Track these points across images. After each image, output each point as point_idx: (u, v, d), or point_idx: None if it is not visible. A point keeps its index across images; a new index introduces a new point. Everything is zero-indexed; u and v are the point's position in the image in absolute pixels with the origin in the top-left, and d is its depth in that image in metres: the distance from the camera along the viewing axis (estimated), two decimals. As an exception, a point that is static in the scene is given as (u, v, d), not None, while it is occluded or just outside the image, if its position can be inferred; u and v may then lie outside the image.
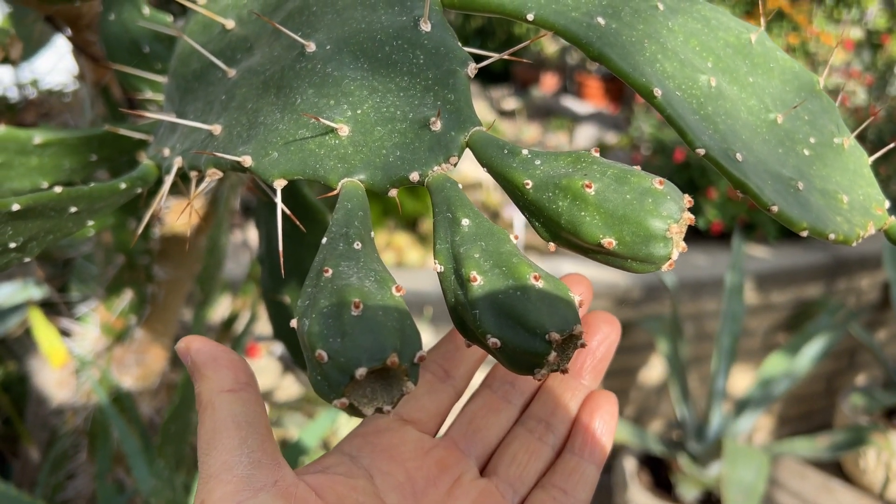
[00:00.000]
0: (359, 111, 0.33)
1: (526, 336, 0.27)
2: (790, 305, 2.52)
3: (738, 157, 0.34)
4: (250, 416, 0.33)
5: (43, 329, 1.04)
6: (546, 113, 4.74)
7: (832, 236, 0.35)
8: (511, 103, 4.95)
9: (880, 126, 2.66)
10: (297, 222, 0.36)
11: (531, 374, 0.28)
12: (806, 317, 2.48)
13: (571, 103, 4.85)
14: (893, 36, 3.44)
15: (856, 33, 3.52)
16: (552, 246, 0.31)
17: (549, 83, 5.30)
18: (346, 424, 1.69)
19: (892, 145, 0.44)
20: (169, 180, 0.41)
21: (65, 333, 1.04)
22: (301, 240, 0.58)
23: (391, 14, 0.35)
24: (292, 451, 1.06)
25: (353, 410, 0.26)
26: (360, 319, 0.26)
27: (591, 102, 4.94)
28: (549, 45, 5.34)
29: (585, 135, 4.19)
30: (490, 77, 5.57)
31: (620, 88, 5.01)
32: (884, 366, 2.39)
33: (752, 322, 2.48)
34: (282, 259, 0.40)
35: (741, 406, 2.17)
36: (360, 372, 0.25)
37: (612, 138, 4.01)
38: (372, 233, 0.31)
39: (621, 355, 2.41)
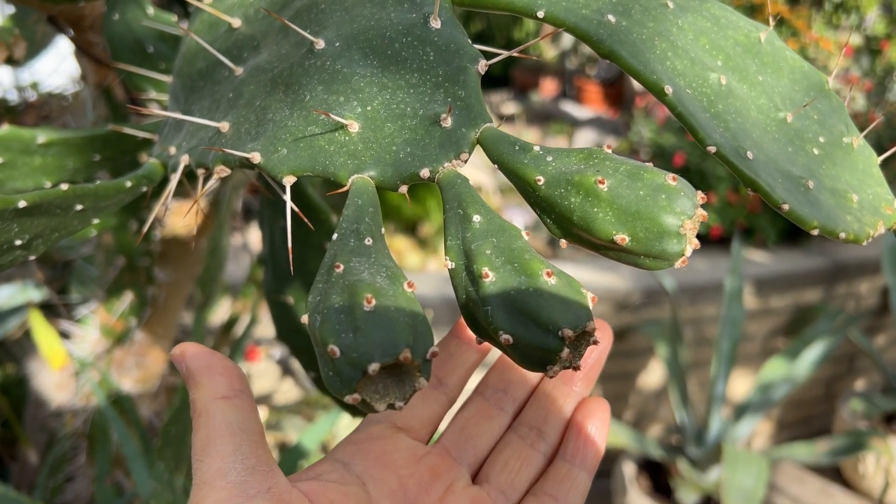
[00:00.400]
0: (369, 108, 0.33)
1: (539, 332, 0.27)
2: (789, 310, 2.52)
3: (749, 155, 0.33)
4: (244, 423, 0.33)
5: (42, 331, 1.04)
6: (545, 117, 4.75)
7: (842, 235, 0.34)
8: (510, 108, 4.96)
9: (879, 132, 2.67)
10: (306, 220, 0.36)
11: (543, 370, 0.28)
12: (805, 322, 2.48)
13: (571, 108, 4.85)
14: (892, 42, 3.45)
15: (855, 39, 3.53)
16: (563, 242, 0.31)
17: (548, 88, 5.31)
18: (346, 428, 1.68)
19: (893, 150, 0.44)
20: (175, 178, 0.41)
21: (64, 335, 1.03)
22: (305, 240, 0.58)
23: (401, 11, 0.35)
24: (291, 455, 1.05)
25: (365, 406, 0.26)
26: (372, 315, 0.26)
27: (590, 107, 4.95)
28: (549, 50, 5.34)
29: (585, 139, 4.19)
30: (489, 81, 5.58)
31: (619, 93, 5.01)
32: (883, 371, 2.39)
33: (751, 327, 2.48)
34: (291, 256, 0.39)
35: (740, 411, 2.17)
36: (373, 367, 0.25)
37: (611, 143, 4.01)
38: (382, 229, 0.31)
39: (621, 360, 2.41)
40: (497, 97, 5.33)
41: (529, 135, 4.26)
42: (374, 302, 0.26)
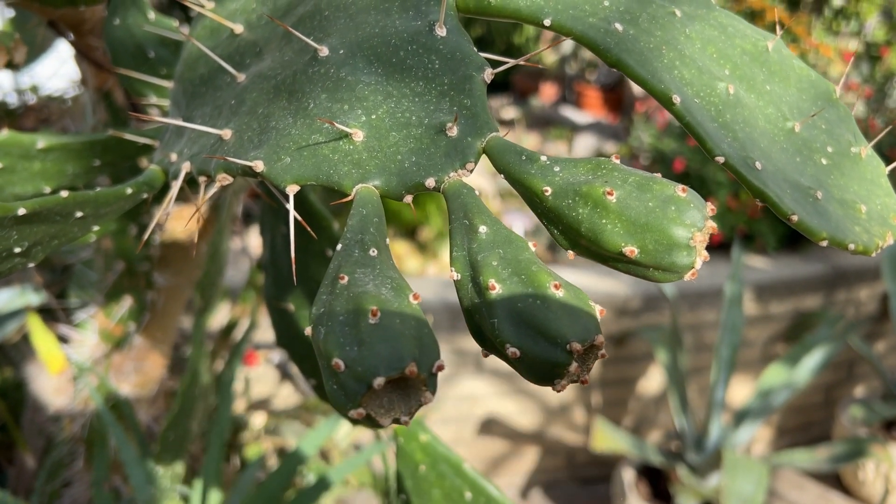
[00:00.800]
0: (373, 116, 0.33)
1: (546, 345, 0.26)
2: (789, 316, 2.52)
3: (758, 165, 0.33)
4: None
5: (41, 335, 1.03)
6: (545, 122, 4.75)
7: (852, 246, 0.34)
8: (510, 113, 4.96)
9: (879, 138, 2.65)
10: (309, 229, 0.36)
11: (551, 384, 0.27)
12: (805, 328, 2.48)
13: (570, 113, 4.85)
14: (892, 48, 3.45)
15: (854, 45, 3.53)
16: (571, 254, 0.30)
17: (548, 93, 5.31)
18: (345, 434, 1.68)
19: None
20: (176, 186, 0.41)
21: (63, 340, 1.03)
22: (307, 247, 0.57)
23: (406, 19, 0.35)
24: (290, 461, 1.04)
25: (369, 421, 0.25)
26: (377, 328, 0.25)
27: (589, 112, 4.95)
28: (549, 55, 5.34)
29: (584, 144, 4.19)
30: (489, 86, 5.55)
31: (619, 98, 5.01)
32: (882, 377, 2.38)
33: (751, 333, 2.47)
34: (294, 265, 0.39)
35: (740, 417, 2.16)
36: (378, 381, 0.24)
37: (610, 148, 4.02)
38: (387, 239, 0.30)
39: (620, 365, 2.40)
40: (497, 102, 5.32)
41: (529, 140, 4.26)
42: (379, 314, 0.25)
